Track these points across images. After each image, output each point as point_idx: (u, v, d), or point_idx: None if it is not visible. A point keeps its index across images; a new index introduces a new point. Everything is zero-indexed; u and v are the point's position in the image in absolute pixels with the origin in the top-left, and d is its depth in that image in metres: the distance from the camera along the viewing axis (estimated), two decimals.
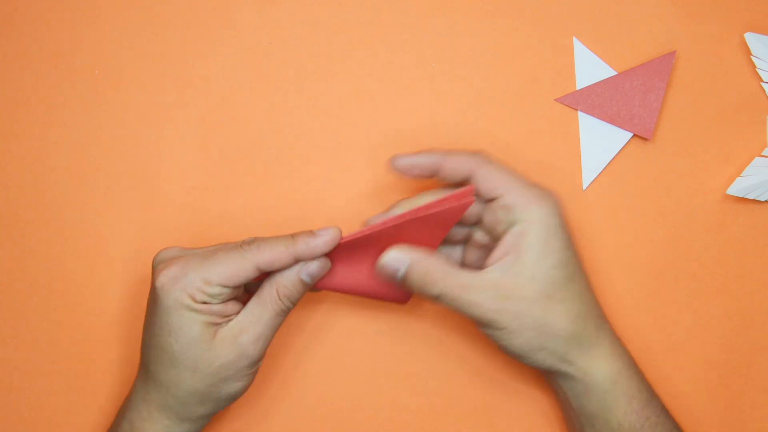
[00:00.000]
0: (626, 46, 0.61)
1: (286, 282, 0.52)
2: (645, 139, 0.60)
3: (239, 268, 0.50)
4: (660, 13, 0.61)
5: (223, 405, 0.53)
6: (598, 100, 0.60)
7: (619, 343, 0.55)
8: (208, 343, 0.51)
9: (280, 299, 0.52)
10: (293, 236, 0.52)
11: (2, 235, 0.60)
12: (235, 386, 0.52)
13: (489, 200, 0.53)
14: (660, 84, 0.60)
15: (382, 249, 0.52)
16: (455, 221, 0.52)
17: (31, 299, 0.60)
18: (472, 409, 0.60)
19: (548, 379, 0.56)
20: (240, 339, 0.51)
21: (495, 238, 0.53)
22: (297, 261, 0.51)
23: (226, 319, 0.51)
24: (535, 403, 0.60)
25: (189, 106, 0.61)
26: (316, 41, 0.61)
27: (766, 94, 0.61)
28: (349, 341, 0.60)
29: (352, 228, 0.57)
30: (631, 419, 0.53)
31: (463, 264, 0.56)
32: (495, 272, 0.51)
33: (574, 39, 0.61)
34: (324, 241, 0.51)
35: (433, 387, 0.60)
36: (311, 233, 0.51)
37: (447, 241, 0.56)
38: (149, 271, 0.58)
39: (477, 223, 0.55)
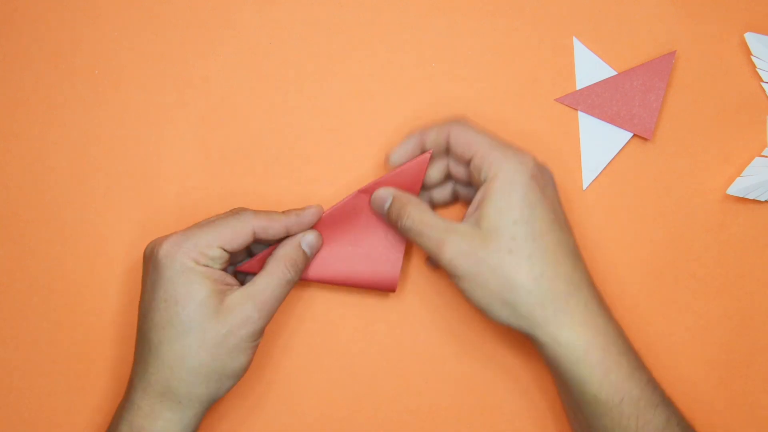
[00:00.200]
0: (626, 46, 0.61)
1: (290, 251, 0.55)
2: (645, 139, 0.60)
3: (237, 230, 0.53)
4: (660, 13, 0.61)
5: (224, 387, 0.53)
6: (598, 100, 0.60)
7: (599, 314, 0.52)
8: (216, 308, 0.52)
9: (286, 268, 0.54)
10: (282, 212, 0.56)
11: (2, 235, 0.60)
12: (239, 360, 0.53)
13: (467, 162, 0.55)
14: (660, 84, 0.60)
15: (364, 229, 0.57)
16: (420, 177, 0.56)
17: (31, 299, 0.60)
18: (472, 409, 0.60)
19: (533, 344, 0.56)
20: (246, 306, 0.52)
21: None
22: (288, 233, 0.55)
23: (229, 287, 0.53)
24: (536, 403, 0.60)
25: (189, 106, 0.61)
26: (316, 41, 0.61)
27: (766, 94, 0.61)
28: (348, 341, 0.60)
29: None
30: (609, 392, 0.51)
31: None
32: (462, 224, 0.53)
33: (574, 39, 0.61)
34: (310, 212, 0.56)
35: (433, 387, 0.60)
36: (297, 209, 0.56)
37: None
38: None
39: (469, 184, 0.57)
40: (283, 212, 0.56)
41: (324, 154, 0.61)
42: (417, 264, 0.60)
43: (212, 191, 0.60)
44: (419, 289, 0.60)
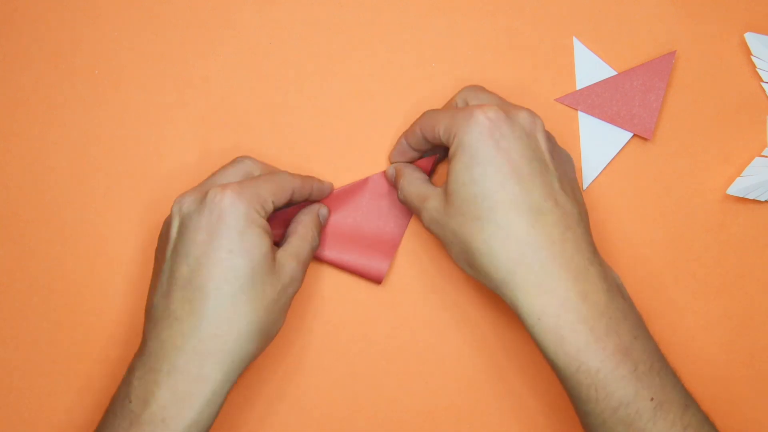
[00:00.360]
0: (626, 46, 0.61)
1: (315, 219, 0.57)
2: (645, 139, 0.60)
3: (284, 187, 0.54)
4: (660, 13, 0.61)
5: (263, 347, 0.53)
6: (598, 100, 0.60)
7: (559, 276, 0.49)
8: (272, 264, 0.52)
9: (314, 233, 0.56)
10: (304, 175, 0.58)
11: (2, 235, 0.60)
12: (282, 320, 0.53)
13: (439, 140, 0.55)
14: (660, 84, 0.60)
15: (365, 215, 0.59)
16: (426, 171, 0.59)
17: (31, 299, 0.60)
18: (472, 409, 0.60)
19: None
20: (292, 265, 0.53)
21: None
22: (310, 198, 0.57)
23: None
24: (536, 403, 0.60)
25: (189, 106, 0.61)
26: (316, 41, 0.61)
27: (766, 94, 0.61)
28: (349, 341, 0.60)
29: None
30: (564, 360, 0.48)
31: None
32: (437, 190, 0.54)
33: (574, 39, 0.61)
34: (327, 184, 0.58)
35: (433, 387, 0.60)
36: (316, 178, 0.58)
37: None
38: (149, 270, 0.58)
39: None
40: (305, 176, 0.57)
41: (324, 154, 0.61)
42: (418, 264, 0.60)
43: None
44: (420, 289, 0.60)
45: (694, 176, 0.61)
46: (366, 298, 0.60)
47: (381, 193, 0.60)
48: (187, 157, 0.60)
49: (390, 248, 0.59)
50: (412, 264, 0.60)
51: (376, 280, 0.59)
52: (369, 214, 0.59)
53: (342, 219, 0.59)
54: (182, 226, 0.52)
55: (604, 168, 0.60)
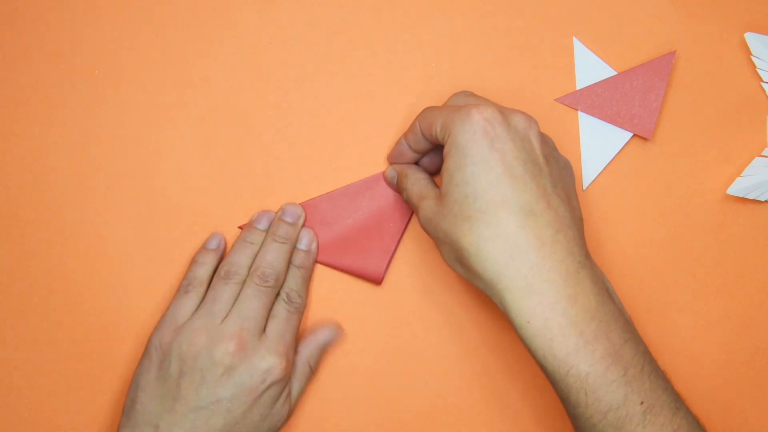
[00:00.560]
0: (626, 46, 0.61)
1: (315, 353, 0.59)
2: (645, 139, 0.60)
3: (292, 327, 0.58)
4: (660, 13, 0.61)
5: None
6: (598, 100, 0.60)
7: (548, 279, 0.48)
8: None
9: (312, 370, 0.59)
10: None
11: (2, 235, 0.60)
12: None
13: (435, 138, 0.54)
14: (660, 84, 0.60)
15: (364, 216, 0.59)
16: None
17: (31, 299, 0.60)
18: (472, 409, 0.60)
19: None
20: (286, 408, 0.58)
21: None
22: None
23: None
24: (536, 403, 0.60)
25: (189, 106, 0.61)
26: (316, 41, 0.61)
27: (766, 94, 0.61)
28: (348, 341, 0.60)
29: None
30: (553, 364, 0.48)
31: None
32: (433, 190, 0.54)
33: (574, 39, 0.61)
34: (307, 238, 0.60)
35: (433, 387, 0.60)
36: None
37: None
38: (149, 270, 0.58)
39: None
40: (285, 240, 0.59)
41: (324, 154, 0.61)
42: (418, 264, 0.60)
43: (212, 191, 0.60)
44: (419, 289, 0.60)
45: (694, 176, 0.61)
46: (365, 298, 0.60)
47: (380, 194, 0.60)
48: (187, 157, 0.60)
49: (389, 249, 0.59)
50: (412, 264, 0.60)
51: (376, 281, 0.59)
52: (368, 216, 0.59)
53: (341, 220, 0.59)
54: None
55: (604, 168, 0.60)
